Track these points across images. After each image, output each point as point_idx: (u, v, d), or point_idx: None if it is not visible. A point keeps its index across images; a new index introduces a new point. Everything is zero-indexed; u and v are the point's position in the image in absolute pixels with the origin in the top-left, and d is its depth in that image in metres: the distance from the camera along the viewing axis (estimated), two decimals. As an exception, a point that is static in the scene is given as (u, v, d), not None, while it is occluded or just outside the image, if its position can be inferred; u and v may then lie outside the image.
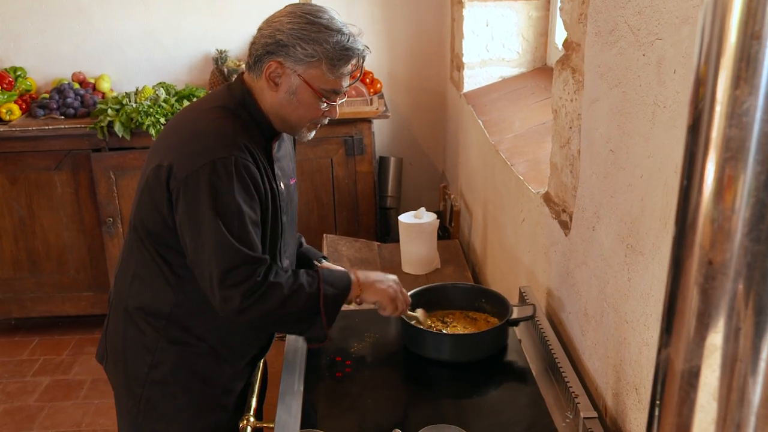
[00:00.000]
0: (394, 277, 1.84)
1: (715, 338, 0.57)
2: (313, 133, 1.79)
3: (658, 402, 0.66)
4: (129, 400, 1.75)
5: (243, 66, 3.70)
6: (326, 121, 1.77)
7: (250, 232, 1.60)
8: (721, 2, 0.52)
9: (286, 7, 1.71)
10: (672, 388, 0.63)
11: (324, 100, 1.68)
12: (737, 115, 0.51)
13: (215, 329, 1.72)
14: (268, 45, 1.64)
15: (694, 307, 0.59)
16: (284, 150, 1.83)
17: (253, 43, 1.69)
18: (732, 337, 0.57)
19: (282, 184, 1.76)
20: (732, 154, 0.52)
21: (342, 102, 1.76)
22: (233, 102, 1.69)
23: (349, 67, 1.68)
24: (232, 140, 1.60)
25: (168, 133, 1.72)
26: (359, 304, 1.79)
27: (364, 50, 1.70)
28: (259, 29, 1.69)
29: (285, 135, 1.81)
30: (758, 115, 0.50)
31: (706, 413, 0.59)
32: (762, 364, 0.56)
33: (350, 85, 1.73)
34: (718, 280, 0.56)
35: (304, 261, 2.01)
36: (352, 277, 1.76)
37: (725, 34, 0.52)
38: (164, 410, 1.74)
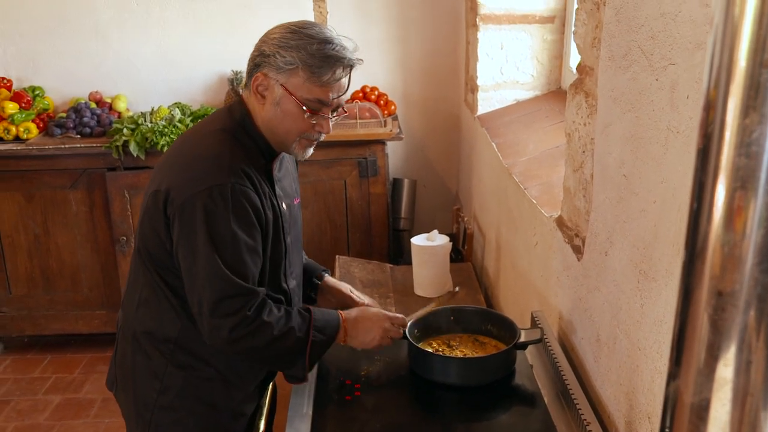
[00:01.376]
0: (382, 314, 1.84)
1: (726, 371, 0.56)
2: (310, 151, 1.75)
3: (667, 434, 0.64)
4: (138, 426, 1.73)
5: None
6: (321, 137, 1.72)
7: (245, 261, 1.59)
8: (731, 29, 0.51)
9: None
10: (681, 421, 0.61)
11: (307, 110, 1.64)
12: (746, 143, 0.50)
13: (222, 354, 1.70)
14: (255, 58, 1.67)
15: (703, 338, 0.57)
16: (285, 170, 1.82)
17: (248, 60, 1.71)
18: (743, 369, 0.55)
19: (285, 205, 1.75)
20: (741, 183, 0.51)
21: (336, 117, 1.73)
22: (233, 124, 1.69)
23: (334, 76, 1.63)
24: (229, 166, 1.59)
25: (168, 157, 1.71)
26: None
27: (350, 60, 1.66)
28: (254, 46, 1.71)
29: (286, 155, 1.80)
30: (767, 144, 0.49)
31: (717, 448, 0.58)
32: (774, 399, 0.54)
33: (339, 97, 1.67)
34: (728, 312, 0.54)
35: (305, 276, 2.00)
36: (341, 324, 1.77)
37: (734, 62, 0.51)
38: None
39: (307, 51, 1.60)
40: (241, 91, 1.78)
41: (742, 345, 0.55)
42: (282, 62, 1.61)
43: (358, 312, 1.83)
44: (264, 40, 1.68)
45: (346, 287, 2.07)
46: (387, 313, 1.85)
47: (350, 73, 1.68)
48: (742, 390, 0.56)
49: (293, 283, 1.83)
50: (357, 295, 2.06)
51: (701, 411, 0.58)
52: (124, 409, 1.80)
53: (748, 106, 0.50)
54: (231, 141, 1.65)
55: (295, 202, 1.86)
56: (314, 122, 1.67)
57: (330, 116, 1.70)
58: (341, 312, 1.81)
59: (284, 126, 1.67)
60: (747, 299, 0.53)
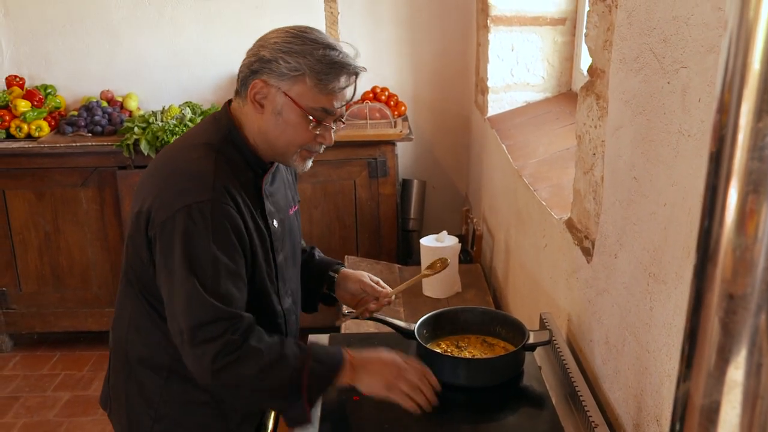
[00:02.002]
0: (399, 361, 1.63)
1: (736, 374, 0.56)
2: (309, 163, 1.66)
3: (677, 437, 0.64)
4: None
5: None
6: (321, 149, 1.64)
7: (226, 285, 1.48)
8: (745, 33, 0.51)
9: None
10: (691, 423, 0.61)
11: (313, 119, 1.55)
12: (759, 147, 0.50)
13: None
14: (253, 64, 1.55)
15: (714, 340, 0.58)
16: (279, 181, 1.74)
17: (240, 67, 1.59)
18: (753, 372, 0.55)
19: (275, 222, 1.66)
20: (754, 187, 0.51)
21: (339, 127, 1.65)
22: (218, 136, 1.58)
23: (339, 83, 1.54)
24: (211, 183, 1.49)
25: (150, 174, 1.60)
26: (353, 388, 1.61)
27: (356, 67, 1.56)
28: (247, 52, 1.61)
29: (281, 165, 1.71)
30: (781, 148, 0.49)
31: (726, 450, 0.58)
32: (784, 402, 0.55)
33: (343, 105, 1.60)
34: (740, 315, 0.55)
35: (320, 272, 1.92)
36: (345, 357, 1.58)
37: (748, 65, 0.51)
38: None
39: (313, 56, 1.51)
40: (233, 100, 1.67)
41: (753, 348, 0.55)
42: (286, 68, 1.51)
43: (370, 351, 1.65)
44: (261, 44, 1.57)
45: (364, 275, 1.95)
46: (405, 363, 1.63)
47: (356, 81, 1.60)
48: (753, 393, 0.56)
49: (288, 301, 1.74)
50: (377, 281, 1.94)
51: (711, 413, 0.58)
52: (118, 430, 1.74)
53: (762, 110, 0.50)
54: (215, 156, 1.54)
55: (291, 213, 1.76)
56: (317, 133, 1.58)
57: (333, 126, 1.62)
58: (346, 348, 1.64)
59: (285, 137, 1.57)
60: (758, 302, 0.53)
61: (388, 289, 1.95)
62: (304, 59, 1.51)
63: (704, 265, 0.58)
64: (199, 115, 3.72)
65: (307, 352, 1.55)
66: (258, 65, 1.54)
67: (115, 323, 1.69)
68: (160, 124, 3.54)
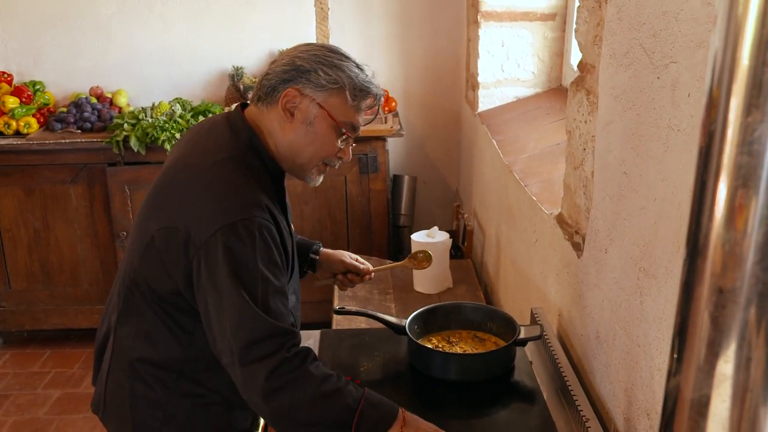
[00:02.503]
0: None
1: (726, 367, 0.56)
2: (321, 178, 1.68)
3: (667, 430, 0.65)
4: None
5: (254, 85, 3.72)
6: (337, 165, 1.68)
7: (275, 301, 1.45)
8: (734, 28, 0.51)
9: (294, 46, 1.63)
10: (681, 416, 0.62)
11: (344, 132, 1.58)
12: (748, 142, 0.51)
13: (228, 381, 1.54)
14: (286, 72, 1.55)
15: (704, 334, 0.58)
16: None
17: (266, 75, 1.59)
18: (743, 366, 0.56)
19: (291, 225, 1.68)
20: (743, 181, 0.51)
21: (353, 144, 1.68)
22: (241, 148, 1.57)
23: (368, 102, 1.60)
24: (252, 199, 1.47)
25: (174, 185, 1.56)
26: None
27: (380, 90, 1.63)
28: (273, 62, 1.61)
29: None
30: (769, 143, 0.50)
31: (716, 443, 0.58)
32: (773, 395, 0.55)
33: (367, 124, 1.65)
34: (729, 309, 0.55)
35: (300, 254, 1.90)
36: (399, 411, 1.50)
37: (737, 60, 0.51)
38: None
39: (350, 72, 1.55)
40: (248, 105, 1.67)
41: (743, 342, 0.55)
42: (325, 80, 1.53)
43: (421, 419, 1.54)
44: (296, 55, 1.57)
45: (344, 254, 1.99)
46: None
47: (380, 103, 1.65)
48: (742, 386, 0.56)
49: (293, 298, 1.71)
50: (357, 258, 2.00)
51: (701, 407, 0.59)
52: None
53: (751, 105, 0.51)
54: (245, 170, 1.53)
55: None
56: (340, 147, 1.61)
57: (353, 143, 1.66)
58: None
59: (312, 148, 1.58)
60: (748, 296, 0.54)
61: (369, 265, 2.01)
62: (343, 73, 1.54)
63: (694, 260, 0.58)
64: (189, 111, 3.70)
65: (362, 393, 1.48)
66: (293, 74, 1.55)
67: (118, 329, 1.63)
68: (150, 120, 3.53)
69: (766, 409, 0.56)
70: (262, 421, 1.78)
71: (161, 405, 1.60)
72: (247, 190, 1.49)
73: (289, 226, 1.67)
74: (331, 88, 1.54)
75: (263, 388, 1.40)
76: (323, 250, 1.98)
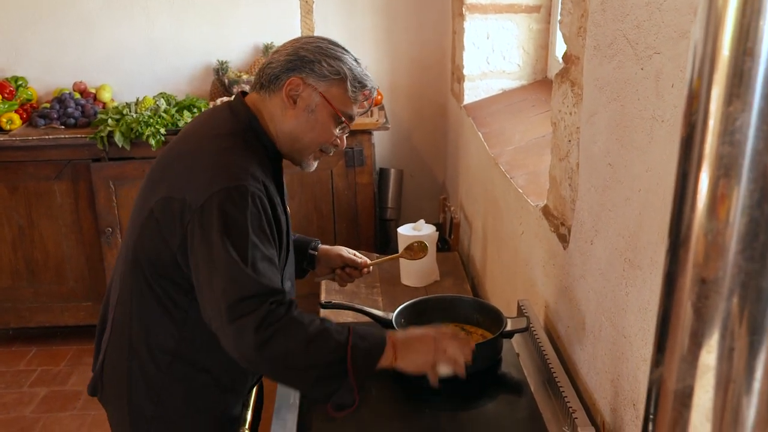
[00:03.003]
0: (427, 332, 1.61)
1: (709, 358, 0.56)
2: (316, 163, 1.75)
3: (651, 421, 0.65)
4: None
5: (243, 77, 3.70)
6: (332, 152, 1.75)
7: (264, 266, 1.49)
8: (714, 18, 0.51)
9: (294, 38, 1.72)
10: (665, 407, 0.62)
11: (343, 120, 1.66)
12: (730, 131, 0.51)
13: (221, 360, 1.61)
14: (291, 62, 1.63)
15: (687, 325, 0.58)
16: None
17: (269, 64, 1.66)
18: (726, 356, 0.56)
19: (288, 208, 1.74)
20: (725, 171, 0.51)
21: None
22: (240, 126, 1.64)
23: (365, 94, 1.68)
24: (245, 169, 1.53)
25: (172, 161, 1.62)
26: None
27: (375, 83, 1.72)
28: (275, 52, 1.68)
29: None
30: (751, 132, 0.49)
31: (700, 434, 0.58)
32: (756, 385, 0.55)
33: (360, 114, 1.73)
34: (712, 299, 0.55)
35: (299, 251, 1.95)
36: (387, 336, 1.57)
37: (718, 50, 0.51)
38: None
39: (350, 64, 1.64)
40: (247, 90, 1.75)
41: (725, 332, 0.55)
42: (328, 71, 1.62)
43: (407, 330, 1.66)
44: (300, 46, 1.65)
45: (342, 249, 2.04)
46: (439, 334, 1.61)
47: (373, 96, 1.73)
48: (725, 377, 0.56)
49: (288, 284, 1.76)
50: (354, 253, 2.04)
51: (684, 398, 0.59)
52: (114, 416, 1.73)
53: (732, 94, 0.50)
54: (243, 145, 1.60)
55: None
56: (337, 135, 1.70)
57: (347, 132, 1.75)
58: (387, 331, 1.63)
59: (312, 134, 1.66)
60: (730, 286, 0.54)
61: (366, 259, 2.05)
62: (344, 65, 1.63)
63: (676, 250, 0.58)
64: (174, 106, 3.68)
65: (348, 329, 1.53)
66: (297, 64, 1.62)
67: (118, 308, 1.67)
68: (135, 115, 3.51)
69: (748, 398, 0.56)
70: (250, 411, 1.78)
71: (155, 387, 1.64)
72: (243, 161, 1.55)
73: (285, 206, 1.72)
74: (332, 78, 1.63)
75: (254, 340, 1.43)
76: (321, 246, 2.03)
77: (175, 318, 1.61)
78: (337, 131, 1.69)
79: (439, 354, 1.57)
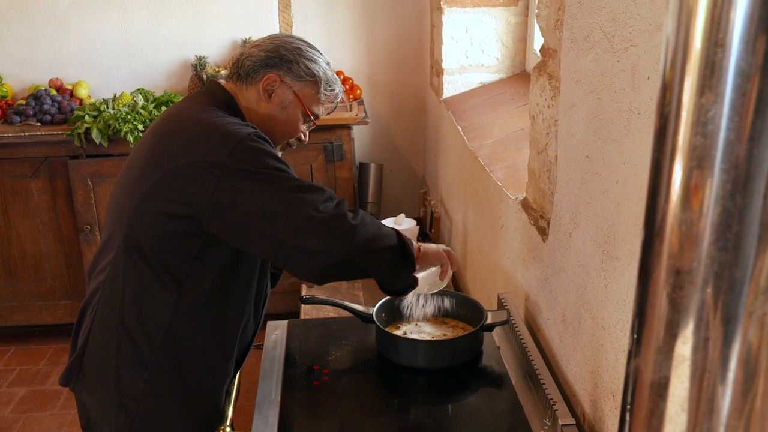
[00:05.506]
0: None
1: (684, 348, 0.57)
2: (280, 154, 1.76)
3: (628, 412, 0.65)
4: (119, 417, 1.66)
5: (222, 72, 3.68)
6: (295, 146, 1.85)
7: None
8: (686, 10, 0.51)
9: (272, 35, 1.80)
10: (641, 398, 0.62)
11: (312, 120, 1.78)
12: (702, 122, 0.51)
13: (213, 334, 1.67)
14: (270, 58, 1.71)
15: (662, 316, 0.58)
16: None
17: (248, 56, 1.73)
18: (701, 347, 0.56)
19: None
20: (698, 162, 0.52)
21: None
22: (219, 104, 1.70)
23: (335, 97, 1.80)
24: (246, 125, 1.62)
25: (165, 139, 1.63)
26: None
27: (342, 87, 1.84)
28: (254, 46, 1.75)
29: None
30: (723, 123, 0.50)
31: (675, 425, 0.58)
32: (730, 375, 0.55)
33: (327, 114, 1.85)
34: (686, 289, 0.55)
35: None
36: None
37: (690, 42, 0.51)
38: (157, 425, 1.68)
39: (324, 67, 1.75)
40: (221, 80, 1.81)
41: (700, 322, 0.55)
42: (304, 72, 1.72)
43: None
44: (280, 44, 1.74)
45: None
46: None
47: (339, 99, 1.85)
48: (700, 367, 0.56)
49: (265, 282, 1.84)
50: None
51: (660, 388, 0.59)
52: (97, 403, 1.71)
53: (704, 86, 0.51)
54: (230, 115, 1.67)
55: None
56: (303, 131, 1.81)
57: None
58: None
59: (282, 129, 1.76)
60: (704, 277, 0.54)
61: None
62: (319, 68, 1.74)
63: (651, 241, 0.58)
64: (152, 102, 3.66)
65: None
66: (276, 61, 1.72)
67: (106, 290, 1.65)
68: (112, 112, 3.48)
69: (723, 388, 0.56)
70: (232, 401, 1.78)
71: (147, 365, 1.64)
72: (240, 121, 1.65)
73: None
74: (307, 80, 1.73)
75: (350, 225, 1.56)
76: None
77: (172, 290, 1.62)
78: (303, 128, 1.80)
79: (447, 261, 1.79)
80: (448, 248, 1.82)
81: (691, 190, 0.53)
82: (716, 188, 0.51)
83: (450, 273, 1.81)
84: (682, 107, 0.53)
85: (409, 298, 1.88)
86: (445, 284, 1.83)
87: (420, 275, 1.77)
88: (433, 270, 1.79)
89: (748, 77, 0.49)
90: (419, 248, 1.74)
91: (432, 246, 1.79)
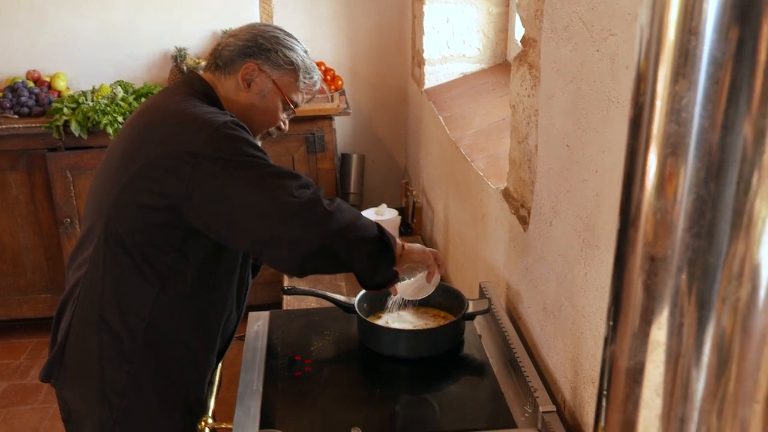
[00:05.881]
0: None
1: (659, 334, 0.57)
2: (260, 144, 1.77)
3: (605, 398, 0.66)
4: (103, 411, 1.65)
5: (202, 64, 3.66)
6: (275, 135, 1.85)
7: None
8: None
9: (249, 24, 1.81)
10: (617, 384, 0.63)
11: (291, 109, 1.78)
12: (676, 110, 0.51)
13: (194, 324, 1.67)
14: (248, 48, 1.72)
15: (638, 303, 0.59)
16: None
17: (225, 46, 1.74)
18: (675, 332, 0.57)
19: None
20: (672, 150, 0.52)
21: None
22: (197, 94, 1.69)
23: (314, 85, 1.80)
24: (223, 114, 1.62)
25: (144, 131, 1.63)
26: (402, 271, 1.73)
27: (320, 74, 1.84)
28: (231, 36, 1.75)
29: None
30: (697, 110, 0.50)
31: (651, 409, 0.59)
32: (704, 359, 0.56)
33: (306, 103, 1.85)
34: (660, 276, 0.56)
35: None
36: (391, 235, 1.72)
37: (664, 30, 0.52)
38: (140, 417, 1.67)
39: (302, 55, 1.75)
40: (200, 71, 1.82)
41: (675, 308, 0.56)
42: (282, 60, 1.72)
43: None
44: (257, 33, 1.74)
45: None
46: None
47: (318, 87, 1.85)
48: (675, 352, 0.57)
49: (247, 272, 1.84)
50: None
51: (636, 374, 0.60)
52: (79, 398, 1.70)
53: (678, 73, 0.51)
54: (209, 104, 1.67)
55: None
56: (282, 119, 1.80)
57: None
58: None
59: (262, 118, 1.76)
60: (678, 264, 0.55)
61: None
62: (298, 57, 1.74)
63: (626, 229, 0.59)
64: (132, 94, 3.63)
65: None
66: (254, 50, 1.72)
67: (86, 283, 1.65)
68: (91, 104, 3.45)
69: (697, 372, 0.57)
70: (214, 393, 1.78)
71: (129, 357, 1.63)
72: (218, 110, 1.65)
73: None
74: (286, 68, 1.73)
75: (324, 211, 1.54)
76: None
77: (153, 283, 1.61)
78: (283, 116, 1.80)
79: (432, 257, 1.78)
80: (436, 251, 1.82)
81: (665, 178, 0.53)
82: (690, 176, 0.52)
83: (437, 276, 1.80)
84: (656, 96, 0.53)
85: (397, 303, 1.89)
86: (433, 288, 1.82)
87: (407, 281, 1.80)
88: (420, 276, 1.80)
89: (721, 65, 0.49)
90: (403, 246, 1.72)
91: (417, 245, 1.78)
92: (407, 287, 1.83)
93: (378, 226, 1.65)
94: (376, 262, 1.63)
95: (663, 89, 0.53)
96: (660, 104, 0.53)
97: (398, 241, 1.71)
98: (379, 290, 1.72)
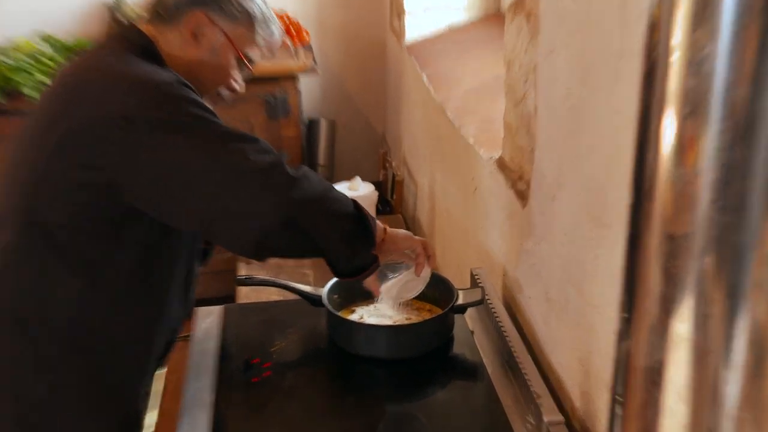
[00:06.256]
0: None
1: (681, 327, 0.57)
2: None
3: (619, 404, 0.66)
4: None
5: (144, 15, 3.62)
6: (230, 102, 1.83)
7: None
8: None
9: None
10: (634, 386, 0.63)
11: (247, 66, 1.75)
12: (696, 62, 0.50)
13: (130, 322, 1.65)
14: None
15: (655, 290, 0.58)
16: None
17: None
18: (701, 325, 0.56)
19: None
20: (691, 109, 0.51)
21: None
22: (136, 49, 1.64)
23: (273, 39, 1.78)
24: (163, 71, 1.59)
25: (69, 94, 1.60)
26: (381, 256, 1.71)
27: (281, 28, 1.82)
28: None
29: None
30: (720, 62, 0.49)
31: (674, 416, 0.59)
32: (736, 357, 0.56)
33: (264, 59, 1.80)
34: (682, 258, 0.55)
35: None
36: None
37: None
38: None
39: (259, 4, 1.72)
40: (136, 22, 1.75)
41: (699, 297, 0.56)
42: (236, 10, 1.69)
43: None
44: None
45: None
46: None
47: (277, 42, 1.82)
48: (701, 348, 0.57)
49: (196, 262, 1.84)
50: None
51: (655, 375, 0.59)
52: None
53: (697, 19, 0.50)
54: (147, 62, 1.62)
55: None
56: (237, 79, 1.77)
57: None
58: None
59: (211, 76, 1.73)
60: (703, 243, 0.54)
61: None
62: (254, 5, 1.72)
63: (640, 204, 0.58)
64: (60, 52, 3.58)
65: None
66: None
67: None
68: (10, 62, 3.40)
69: (728, 372, 0.56)
70: (157, 404, 1.77)
71: (51, 366, 1.61)
72: (159, 67, 1.61)
73: None
74: (240, 18, 1.70)
75: (286, 180, 1.52)
76: None
77: (81, 275, 1.59)
78: (237, 75, 1.76)
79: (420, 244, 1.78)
80: (425, 239, 1.81)
81: (684, 142, 0.53)
82: (713, 139, 0.51)
83: (428, 269, 1.79)
84: (672, 46, 0.52)
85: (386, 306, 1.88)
86: (423, 284, 1.82)
87: (390, 281, 1.80)
88: (407, 272, 1.81)
89: (749, 8, 0.48)
90: (385, 230, 1.71)
91: (402, 231, 1.78)
92: (391, 287, 1.81)
93: (354, 203, 1.63)
94: (352, 244, 1.61)
95: (680, 38, 0.52)
96: (677, 55, 0.52)
97: (379, 224, 1.69)
98: (354, 278, 1.69)
